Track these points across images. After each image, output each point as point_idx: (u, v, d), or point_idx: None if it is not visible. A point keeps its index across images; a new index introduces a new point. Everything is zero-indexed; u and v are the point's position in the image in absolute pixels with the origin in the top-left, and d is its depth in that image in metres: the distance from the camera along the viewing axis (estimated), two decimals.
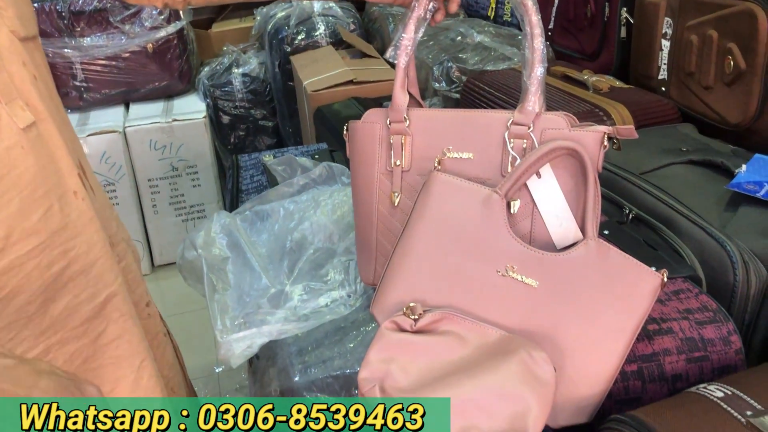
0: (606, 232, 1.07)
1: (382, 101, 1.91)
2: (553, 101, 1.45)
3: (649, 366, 0.83)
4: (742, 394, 0.70)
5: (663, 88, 1.49)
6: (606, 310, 0.77)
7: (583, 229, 0.80)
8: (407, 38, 0.86)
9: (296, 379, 0.93)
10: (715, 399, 0.70)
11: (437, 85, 1.94)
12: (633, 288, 0.77)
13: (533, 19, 0.82)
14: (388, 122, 0.89)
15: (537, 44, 0.82)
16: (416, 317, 0.79)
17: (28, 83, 0.71)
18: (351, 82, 2.14)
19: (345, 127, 0.92)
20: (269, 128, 2.75)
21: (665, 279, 0.77)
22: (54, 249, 0.73)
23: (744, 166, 1.08)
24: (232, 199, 1.44)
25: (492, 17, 2.23)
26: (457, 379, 0.75)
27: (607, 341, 0.77)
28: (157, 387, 0.87)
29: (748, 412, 0.67)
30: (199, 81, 2.63)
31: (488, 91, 1.58)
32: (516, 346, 0.77)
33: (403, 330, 0.80)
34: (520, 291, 0.79)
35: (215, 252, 1.07)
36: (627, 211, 1.12)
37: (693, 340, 0.85)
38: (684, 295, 0.91)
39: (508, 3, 2.15)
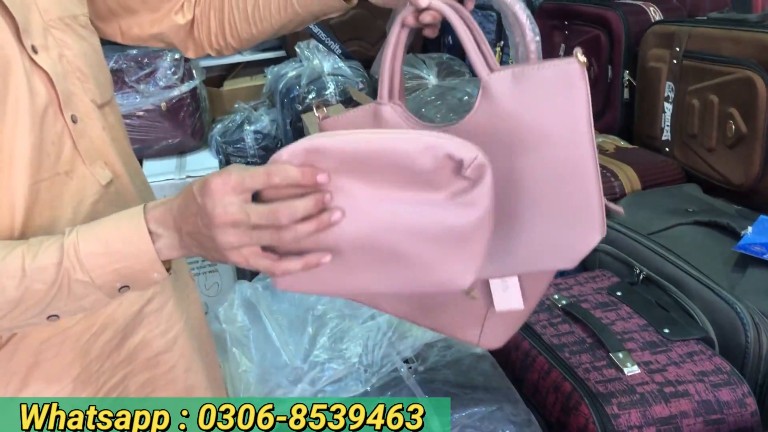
0: (618, 293, 1.10)
1: None
2: None
3: (668, 428, 0.85)
4: None
5: (667, 149, 1.53)
6: (553, 125, 0.70)
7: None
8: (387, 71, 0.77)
9: None
10: None
11: None
12: (560, 89, 0.70)
13: None
14: None
15: None
16: None
17: (107, 145, 0.80)
18: None
19: None
20: None
21: (580, 58, 0.69)
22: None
23: (750, 228, 1.12)
24: None
25: None
26: None
27: (575, 153, 0.70)
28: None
29: None
30: (212, 137, 2.68)
31: None
32: None
33: None
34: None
35: (238, 325, 1.11)
36: (638, 272, 1.15)
37: (709, 403, 0.87)
38: (698, 357, 0.93)
39: (512, 59, 2.20)
